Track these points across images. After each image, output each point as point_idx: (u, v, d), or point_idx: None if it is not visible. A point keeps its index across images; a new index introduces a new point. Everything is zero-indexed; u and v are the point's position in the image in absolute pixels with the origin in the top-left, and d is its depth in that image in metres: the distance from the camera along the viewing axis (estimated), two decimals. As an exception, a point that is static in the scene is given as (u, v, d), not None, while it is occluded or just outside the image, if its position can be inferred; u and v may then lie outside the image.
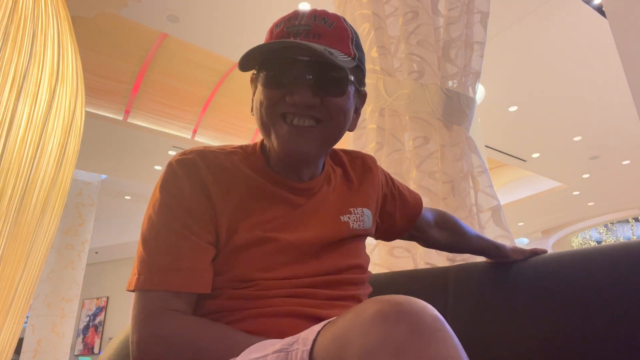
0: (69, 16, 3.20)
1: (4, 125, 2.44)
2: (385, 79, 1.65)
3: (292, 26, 0.72)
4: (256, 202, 0.76)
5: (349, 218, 0.83)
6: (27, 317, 6.00)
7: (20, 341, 5.30)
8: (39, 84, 2.64)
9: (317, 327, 0.50)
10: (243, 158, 0.79)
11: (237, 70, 5.43)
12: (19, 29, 2.59)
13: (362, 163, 0.92)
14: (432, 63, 1.59)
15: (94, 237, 7.60)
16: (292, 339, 0.52)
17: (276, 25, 0.74)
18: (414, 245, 1.50)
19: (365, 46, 1.70)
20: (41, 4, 2.79)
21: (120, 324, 10.70)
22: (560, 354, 0.84)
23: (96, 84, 5.31)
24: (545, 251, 1.02)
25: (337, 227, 0.80)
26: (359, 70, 0.77)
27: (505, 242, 1.40)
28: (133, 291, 0.69)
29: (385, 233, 1.00)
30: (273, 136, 0.73)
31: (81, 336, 11.17)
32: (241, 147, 0.83)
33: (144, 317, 0.66)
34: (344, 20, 0.77)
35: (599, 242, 13.14)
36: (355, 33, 0.78)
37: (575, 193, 8.99)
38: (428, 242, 1.07)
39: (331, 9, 1.28)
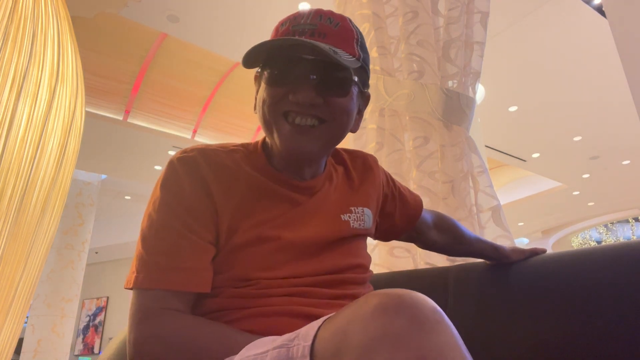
0: (69, 16, 3.20)
1: (4, 125, 2.44)
2: (385, 79, 1.65)
3: (297, 25, 0.72)
4: (257, 200, 0.75)
5: (349, 217, 0.82)
6: (27, 317, 6.00)
7: (20, 341, 5.30)
8: (39, 84, 2.64)
9: (317, 323, 0.50)
10: (244, 156, 0.79)
11: (237, 70, 5.43)
12: (19, 29, 2.59)
13: (363, 162, 0.92)
14: (432, 63, 1.59)
15: (94, 237, 7.60)
16: (293, 334, 0.52)
17: (282, 23, 0.74)
18: (414, 245, 1.50)
19: (365, 46, 1.70)
20: (41, 4, 2.79)
21: (120, 324, 10.70)
22: (560, 354, 0.84)
23: (96, 84, 5.31)
24: (544, 250, 1.02)
25: (337, 226, 0.80)
26: (363, 71, 0.77)
27: (505, 242, 1.41)
28: (131, 289, 0.69)
29: (383, 233, 0.99)
30: (275, 134, 0.72)
31: (81, 336, 11.17)
32: (243, 145, 0.82)
33: (142, 317, 0.66)
34: (350, 20, 0.77)
35: (599, 242, 13.14)
36: (361, 34, 0.77)
37: (575, 193, 8.99)
38: (426, 244, 1.07)
39: (331, 9, 1.28)
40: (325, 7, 0.80)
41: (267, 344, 0.55)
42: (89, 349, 10.95)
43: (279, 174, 0.78)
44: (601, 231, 13.42)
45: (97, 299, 11.36)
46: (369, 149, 1.65)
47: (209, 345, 0.64)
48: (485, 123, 5.48)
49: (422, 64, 1.59)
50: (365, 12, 1.75)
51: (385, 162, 1.58)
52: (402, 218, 0.98)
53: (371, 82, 1.65)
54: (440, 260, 1.43)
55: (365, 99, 0.82)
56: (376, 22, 1.72)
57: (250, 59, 0.70)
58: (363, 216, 0.85)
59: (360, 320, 0.44)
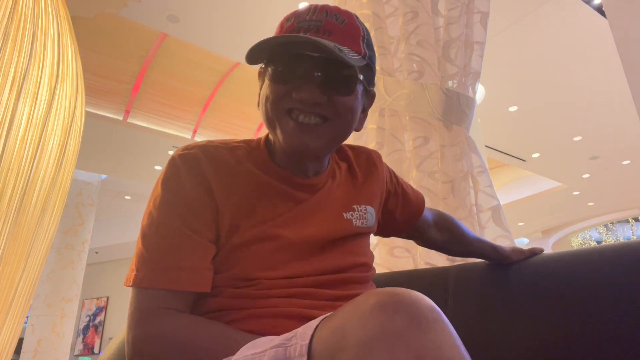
0: (69, 16, 3.20)
1: (4, 125, 2.44)
2: (385, 79, 1.65)
3: (302, 21, 0.71)
4: (259, 198, 0.75)
5: (352, 215, 0.82)
6: (27, 317, 6.00)
7: (20, 341, 5.30)
8: (39, 84, 2.64)
9: (314, 322, 0.50)
10: (247, 153, 0.78)
11: (237, 70, 5.43)
12: (19, 29, 2.59)
13: (367, 158, 0.91)
14: (432, 63, 1.59)
15: (94, 237, 7.60)
16: (290, 334, 0.52)
17: (287, 19, 0.73)
18: (414, 245, 1.50)
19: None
20: (41, 4, 2.79)
21: (120, 324, 10.69)
22: (560, 354, 0.84)
23: (96, 84, 5.31)
24: (542, 250, 1.03)
25: (339, 224, 0.79)
26: (369, 70, 0.76)
27: (505, 242, 1.41)
28: (131, 287, 0.68)
29: (383, 230, 0.99)
30: (278, 131, 0.71)
31: (81, 336, 11.17)
32: (245, 141, 0.81)
33: (141, 316, 0.65)
34: (356, 17, 0.75)
35: (599, 242, 13.14)
36: (367, 31, 0.76)
37: (575, 193, 8.99)
38: (425, 242, 1.06)
39: (331, 9, 1.27)
40: (328, 5, 0.79)
41: (265, 343, 0.54)
42: (89, 349, 10.95)
43: (282, 171, 0.77)
44: (601, 231, 13.42)
45: (97, 299, 11.36)
46: (369, 149, 1.65)
47: (207, 345, 0.63)
48: (485, 123, 5.48)
49: (422, 64, 1.59)
50: (365, 12, 1.75)
51: (385, 162, 1.58)
52: (403, 215, 0.97)
53: (371, 82, 1.65)
54: (440, 260, 1.43)
55: (370, 97, 0.81)
56: (376, 22, 1.72)
57: (254, 55, 0.69)
58: (366, 214, 0.84)
59: (359, 318, 0.44)
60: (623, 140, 6.80)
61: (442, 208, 1.46)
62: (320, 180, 0.80)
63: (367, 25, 1.74)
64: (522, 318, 0.91)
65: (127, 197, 8.46)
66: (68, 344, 6.39)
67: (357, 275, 0.79)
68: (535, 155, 7.21)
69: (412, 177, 1.55)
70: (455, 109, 1.55)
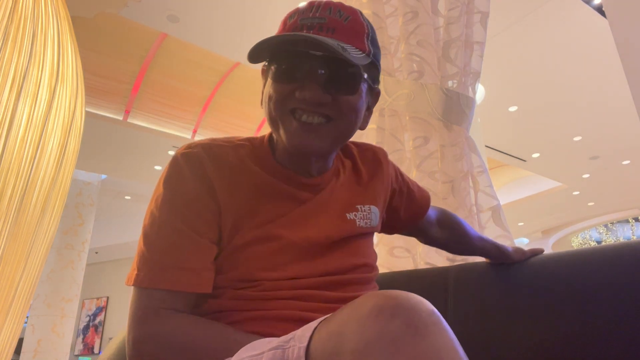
0: (69, 16, 3.20)
1: (4, 125, 2.44)
2: (385, 79, 1.65)
3: (306, 18, 0.69)
4: (261, 199, 0.74)
5: (355, 216, 0.81)
6: (27, 317, 6.00)
7: (20, 341, 5.30)
8: (39, 84, 2.64)
9: (313, 324, 0.50)
10: (250, 151, 0.77)
11: (237, 70, 5.43)
12: (19, 29, 2.59)
13: (372, 156, 0.90)
14: (432, 63, 1.59)
15: (94, 237, 7.60)
16: (289, 336, 0.51)
17: (290, 16, 0.72)
18: (414, 245, 1.50)
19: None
20: (41, 4, 2.79)
21: (120, 324, 10.70)
22: (560, 354, 0.84)
23: (96, 84, 5.31)
24: (542, 250, 1.02)
25: (342, 225, 0.79)
26: (374, 67, 0.74)
27: (505, 242, 1.41)
28: (132, 286, 0.68)
29: (387, 227, 0.98)
30: (281, 131, 0.71)
31: (81, 336, 11.17)
32: (249, 139, 0.80)
33: (141, 315, 0.65)
34: (361, 13, 0.73)
35: (599, 242, 13.14)
36: (372, 28, 0.74)
37: (575, 193, 8.99)
38: (428, 240, 1.06)
39: (331, 9, 1.27)
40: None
41: (263, 345, 0.54)
42: (89, 349, 10.95)
43: (285, 171, 0.76)
44: (601, 231, 13.42)
45: (97, 299, 11.36)
46: (369, 149, 1.65)
47: (206, 345, 0.63)
48: (485, 123, 5.48)
49: (422, 64, 1.59)
50: (365, 11, 1.75)
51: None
52: (407, 213, 0.96)
53: (371, 82, 1.65)
54: (440, 260, 1.43)
55: (375, 95, 0.79)
56: (376, 22, 1.72)
57: (256, 54, 0.68)
58: (370, 214, 0.83)
59: (356, 322, 0.43)
60: (623, 140, 6.80)
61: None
62: (324, 179, 0.79)
63: (367, 25, 1.74)
64: (522, 318, 0.91)
65: (127, 197, 8.46)
66: (68, 344, 6.39)
67: (359, 276, 0.78)
68: (535, 155, 7.21)
69: (412, 177, 1.55)
70: (455, 109, 1.55)
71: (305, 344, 0.47)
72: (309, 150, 0.70)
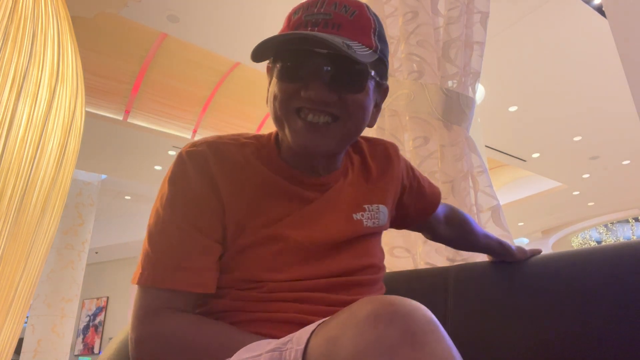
0: (69, 16, 3.20)
1: (4, 125, 2.44)
2: (385, 79, 1.65)
3: (310, 14, 0.67)
4: (267, 198, 0.73)
5: (362, 216, 0.79)
6: (27, 317, 6.00)
7: (20, 341, 5.30)
8: (39, 84, 2.64)
9: (311, 327, 0.49)
10: (256, 150, 0.76)
11: (237, 70, 5.43)
12: (19, 29, 2.59)
13: (383, 151, 0.87)
14: (431, 63, 1.59)
15: (94, 237, 7.60)
16: (287, 338, 0.51)
17: (294, 12, 0.70)
18: (414, 245, 1.50)
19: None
20: (41, 4, 2.79)
21: (120, 324, 10.70)
22: (560, 353, 0.84)
23: (96, 84, 5.31)
24: (540, 251, 1.02)
25: (349, 225, 0.77)
26: (381, 63, 0.72)
27: (505, 242, 1.40)
28: (136, 285, 0.69)
29: (395, 223, 0.96)
30: (287, 131, 0.69)
31: (81, 336, 11.17)
32: (256, 137, 0.79)
33: (144, 314, 0.66)
34: (367, 8, 0.72)
35: (599, 242, 13.14)
36: (379, 22, 0.72)
37: (575, 193, 8.99)
38: (434, 237, 1.04)
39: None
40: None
41: (262, 346, 0.54)
42: (89, 349, 10.95)
43: (291, 170, 0.75)
44: (601, 231, 13.42)
45: (97, 299, 11.36)
46: (369, 149, 1.65)
47: (208, 346, 0.63)
48: (485, 123, 5.48)
49: (422, 64, 1.59)
50: (365, 12, 1.74)
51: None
52: (416, 210, 0.94)
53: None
54: (440, 260, 1.43)
55: (383, 91, 0.77)
56: (376, 22, 1.71)
57: (260, 53, 0.66)
58: (378, 214, 0.81)
59: (352, 328, 0.43)
60: (623, 140, 6.80)
61: (442, 208, 1.46)
62: (331, 178, 0.78)
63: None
64: (522, 318, 0.91)
65: (127, 197, 8.46)
66: (68, 344, 6.39)
67: (365, 278, 0.77)
68: (535, 155, 7.21)
69: (412, 177, 1.55)
70: (455, 109, 1.55)
71: (302, 346, 0.47)
72: (315, 150, 0.68)
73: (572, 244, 13.16)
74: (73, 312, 6.51)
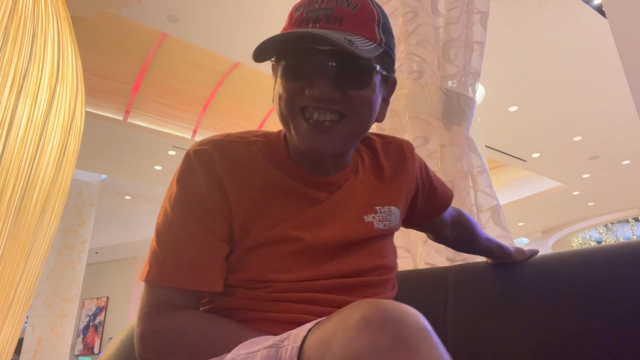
0: (69, 16, 3.20)
1: (4, 125, 2.44)
2: (385, 79, 1.65)
3: (311, 10, 0.66)
4: (273, 198, 0.72)
5: (373, 218, 0.77)
6: (27, 317, 6.00)
7: (20, 341, 5.30)
8: (39, 84, 2.64)
9: (308, 325, 0.49)
10: (264, 148, 0.75)
11: (237, 70, 5.43)
12: (19, 29, 2.59)
13: (397, 150, 0.85)
14: (431, 63, 1.59)
15: (94, 237, 7.60)
16: (285, 335, 0.51)
17: (296, 8, 0.69)
18: (413, 245, 1.50)
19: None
20: (41, 4, 2.79)
21: (120, 324, 10.70)
22: (560, 353, 0.84)
23: (96, 84, 5.31)
24: (538, 251, 1.02)
25: (360, 228, 0.75)
26: (387, 57, 0.70)
27: (505, 242, 1.40)
28: (143, 282, 0.70)
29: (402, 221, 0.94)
30: (293, 131, 0.68)
31: (81, 336, 11.17)
32: (265, 134, 0.78)
33: (149, 311, 0.66)
34: (371, 0, 0.69)
35: (599, 242, 13.14)
36: (383, 14, 0.70)
37: (575, 193, 8.99)
38: (438, 238, 1.03)
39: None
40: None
41: (260, 343, 0.54)
42: (89, 349, 10.94)
43: (299, 169, 0.74)
44: (601, 231, 13.42)
45: (97, 299, 11.36)
46: (369, 149, 1.65)
47: (211, 343, 0.63)
48: (485, 123, 5.48)
49: (422, 64, 1.59)
50: (365, 12, 1.74)
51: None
52: (425, 210, 0.92)
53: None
54: (440, 260, 1.43)
55: (390, 84, 0.75)
56: (376, 22, 1.71)
57: (261, 53, 0.65)
58: (389, 215, 0.79)
59: (344, 333, 0.42)
60: (623, 140, 6.80)
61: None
62: (341, 177, 0.76)
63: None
64: (522, 318, 0.91)
65: (127, 197, 8.46)
66: (68, 344, 6.38)
67: (375, 278, 0.76)
68: (535, 155, 7.21)
69: (412, 177, 1.55)
70: (455, 109, 1.55)
71: (298, 344, 0.47)
72: (321, 151, 0.67)
73: (572, 244, 13.15)
74: (73, 312, 6.51)
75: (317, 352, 0.44)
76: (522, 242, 11.43)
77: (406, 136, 1.63)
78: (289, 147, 0.75)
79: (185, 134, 6.16)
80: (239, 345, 0.57)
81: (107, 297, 11.30)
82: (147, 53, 5.13)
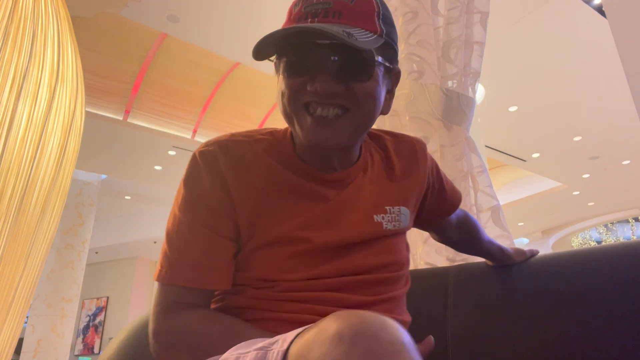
0: (69, 16, 3.20)
1: (4, 125, 2.44)
2: (385, 79, 1.65)
3: (310, 5, 0.66)
4: (278, 196, 0.72)
5: (383, 218, 0.76)
6: (27, 317, 6.00)
7: (20, 341, 5.30)
8: (39, 84, 2.64)
9: (297, 330, 0.49)
10: (270, 146, 0.74)
11: (237, 70, 5.43)
12: (19, 29, 2.59)
13: (409, 149, 0.83)
14: (431, 63, 1.59)
15: (94, 237, 7.59)
16: (276, 338, 0.51)
17: (295, 4, 0.68)
18: (414, 245, 1.50)
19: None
20: (41, 4, 2.79)
21: (120, 324, 10.70)
22: (560, 354, 0.84)
23: (96, 84, 5.31)
24: (538, 252, 1.02)
25: (368, 227, 0.74)
26: (389, 47, 0.69)
27: (505, 242, 1.41)
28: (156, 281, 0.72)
29: None
30: (297, 127, 0.68)
31: (81, 336, 11.17)
32: (271, 132, 0.77)
33: (161, 309, 0.69)
34: None
35: (599, 242, 13.14)
36: (384, 6, 0.70)
37: (575, 193, 8.99)
38: (442, 238, 1.03)
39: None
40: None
41: (255, 344, 0.54)
42: (89, 349, 10.95)
43: (305, 166, 0.73)
44: (601, 231, 13.42)
45: (97, 299, 11.36)
46: (369, 149, 1.65)
47: (217, 341, 0.64)
48: (485, 123, 5.47)
49: (421, 64, 1.59)
50: (365, 12, 1.74)
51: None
52: (432, 211, 0.91)
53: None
54: (440, 260, 1.43)
55: (394, 76, 0.74)
56: (376, 22, 1.71)
57: (261, 51, 0.65)
58: (399, 216, 0.78)
59: (320, 346, 0.42)
60: (623, 140, 6.80)
61: (442, 208, 1.46)
62: (349, 174, 0.75)
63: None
64: (522, 318, 0.91)
65: (127, 197, 8.46)
66: (68, 344, 6.38)
67: (385, 276, 0.75)
68: (535, 155, 7.21)
69: (412, 177, 1.55)
70: (455, 109, 1.55)
71: (284, 348, 0.47)
72: (326, 145, 0.66)
73: (572, 244, 13.15)
74: (73, 312, 6.51)
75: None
76: (522, 242, 11.43)
77: (406, 136, 1.63)
78: (296, 144, 0.75)
79: (185, 134, 6.17)
80: (237, 345, 0.57)
81: (107, 297, 11.30)
82: (147, 53, 5.13)
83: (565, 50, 4.78)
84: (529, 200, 9.20)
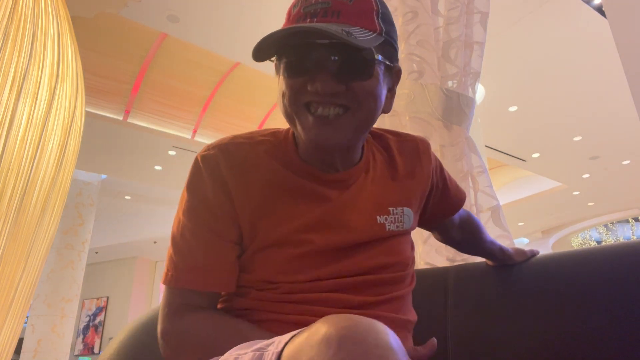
0: (69, 16, 3.20)
1: (4, 125, 2.44)
2: (385, 79, 1.65)
3: (308, 5, 0.65)
4: (280, 197, 0.72)
5: (385, 219, 0.75)
6: (27, 317, 6.00)
7: (20, 341, 5.30)
8: (39, 84, 2.64)
9: (293, 332, 0.49)
10: (272, 147, 0.75)
11: (237, 70, 5.43)
12: (19, 29, 2.59)
13: (412, 148, 0.83)
14: (431, 63, 1.59)
15: (94, 237, 7.59)
16: (273, 339, 0.51)
17: (294, 5, 0.68)
18: (414, 245, 1.50)
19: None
20: (41, 4, 2.79)
21: (120, 324, 10.70)
22: (560, 353, 0.84)
23: (96, 84, 5.31)
24: (538, 252, 1.02)
25: (371, 229, 0.74)
26: (389, 46, 0.69)
27: (505, 242, 1.41)
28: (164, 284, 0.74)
29: None
30: (298, 127, 0.68)
31: (81, 336, 11.17)
32: (273, 133, 0.77)
33: (168, 311, 0.71)
34: None
35: (599, 242, 13.14)
36: (382, 4, 0.69)
37: (575, 193, 8.99)
38: (444, 238, 1.02)
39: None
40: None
41: (254, 345, 0.54)
42: (89, 349, 10.95)
43: (307, 167, 0.73)
44: (601, 231, 13.42)
45: (97, 299, 11.36)
46: (369, 149, 1.65)
47: (220, 343, 0.65)
48: (485, 123, 5.47)
49: (421, 64, 1.59)
50: (365, 12, 1.74)
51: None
52: (435, 211, 0.90)
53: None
54: (440, 260, 1.43)
55: (395, 74, 0.74)
56: (376, 22, 1.71)
57: (261, 52, 0.65)
58: (402, 217, 0.77)
59: (309, 350, 0.42)
60: (623, 140, 6.80)
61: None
62: (351, 174, 0.75)
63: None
64: (522, 318, 0.91)
65: (127, 197, 8.46)
66: (68, 344, 6.38)
67: (389, 276, 0.74)
68: (535, 155, 7.21)
69: (412, 177, 1.55)
70: (455, 109, 1.55)
71: (279, 349, 0.47)
72: (327, 144, 0.66)
73: (572, 244, 13.15)
74: (73, 312, 6.51)
75: None
76: (522, 242, 11.43)
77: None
78: (298, 145, 0.75)
79: (185, 134, 6.17)
80: (237, 346, 0.57)
81: (107, 297, 11.30)
82: (147, 53, 5.13)
83: (565, 50, 4.78)
84: (529, 200, 9.20)
